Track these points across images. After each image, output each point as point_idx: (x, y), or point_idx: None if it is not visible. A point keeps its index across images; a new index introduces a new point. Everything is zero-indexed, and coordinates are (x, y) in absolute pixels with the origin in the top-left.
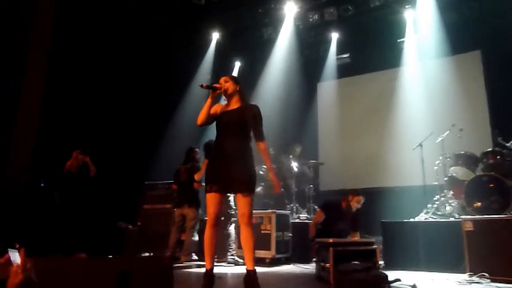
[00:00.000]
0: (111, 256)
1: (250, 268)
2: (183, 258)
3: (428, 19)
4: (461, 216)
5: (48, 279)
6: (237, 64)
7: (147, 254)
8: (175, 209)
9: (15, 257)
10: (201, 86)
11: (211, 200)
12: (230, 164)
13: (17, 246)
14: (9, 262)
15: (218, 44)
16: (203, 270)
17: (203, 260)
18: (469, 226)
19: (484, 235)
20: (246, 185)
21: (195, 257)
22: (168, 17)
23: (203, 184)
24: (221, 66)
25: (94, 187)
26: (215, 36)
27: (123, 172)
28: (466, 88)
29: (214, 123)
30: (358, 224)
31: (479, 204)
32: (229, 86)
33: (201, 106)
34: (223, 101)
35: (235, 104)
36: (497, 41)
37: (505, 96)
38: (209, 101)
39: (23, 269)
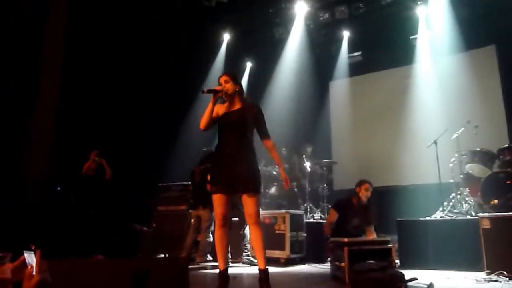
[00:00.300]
0: (126, 258)
1: (262, 267)
2: (198, 259)
3: (440, 15)
4: (478, 214)
5: (64, 281)
6: (249, 65)
7: (162, 255)
8: (190, 211)
9: (31, 258)
10: (203, 91)
11: (217, 201)
12: (234, 165)
13: (33, 247)
14: (24, 264)
15: (229, 45)
16: (217, 270)
17: (217, 261)
18: (486, 224)
19: (501, 233)
20: (251, 185)
21: (210, 258)
22: (179, 19)
23: None
24: (233, 67)
25: (110, 189)
26: (226, 37)
27: (137, 174)
28: (480, 83)
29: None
30: (372, 217)
31: (495, 201)
32: (229, 87)
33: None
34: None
35: (236, 105)
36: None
37: None
38: (210, 105)
39: (38, 270)
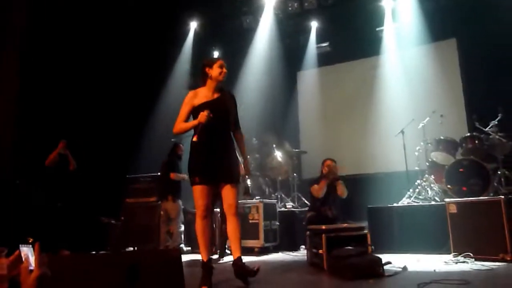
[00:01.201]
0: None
1: (238, 255)
2: None
3: (406, 7)
4: (445, 199)
5: (58, 276)
6: (216, 54)
7: (131, 248)
8: (159, 202)
9: (29, 252)
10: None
11: (198, 192)
12: (216, 155)
13: (30, 240)
14: (19, 259)
15: (197, 33)
16: (192, 258)
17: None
18: (453, 209)
19: (467, 217)
20: (232, 175)
21: (185, 248)
22: (144, 5)
23: (183, 175)
24: (200, 56)
25: (75, 181)
26: (193, 25)
27: (104, 166)
28: (443, 75)
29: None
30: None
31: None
32: (225, 73)
33: (180, 97)
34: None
35: (216, 93)
36: (471, 29)
37: (480, 82)
38: (193, 124)
39: (38, 264)
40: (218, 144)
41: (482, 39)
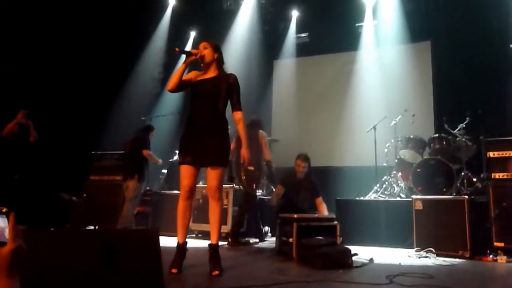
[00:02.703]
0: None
1: (214, 242)
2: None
3: (386, 6)
4: (412, 196)
5: (33, 248)
6: (192, 34)
7: (92, 227)
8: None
9: (1, 222)
10: (175, 50)
11: (184, 172)
12: (204, 135)
13: (4, 210)
14: None
15: (174, 11)
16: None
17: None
18: (418, 206)
19: (431, 214)
20: (217, 156)
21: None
22: None
23: (157, 158)
24: (176, 35)
25: (35, 154)
26: (171, 2)
27: (68, 140)
28: (417, 76)
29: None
30: (317, 188)
31: (421, 188)
32: (207, 53)
33: (153, 75)
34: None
35: (211, 73)
36: (446, 33)
37: (450, 85)
38: (182, 66)
39: (13, 236)
40: (206, 124)
41: (456, 44)
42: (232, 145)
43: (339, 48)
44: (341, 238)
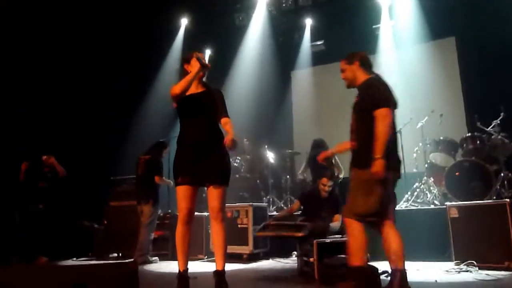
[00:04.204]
0: (75, 259)
1: (220, 268)
2: (137, 260)
3: (403, 5)
4: (446, 203)
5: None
6: (207, 52)
7: (115, 254)
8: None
9: None
10: (207, 65)
11: (182, 193)
12: (201, 153)
13: None
14: None
15: (187, 30)
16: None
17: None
18: (454, 213)
19: (469, 222)
20: (219, 175)
21: (152, 258)
22: (134, 1)
23: (166, 179)
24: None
25: (56, 183)
26: (184, 22)
27: (87, 168)
28: (442, 74)
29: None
30: (338, 204)
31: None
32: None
33: (169, 95)
34: None
35: (199, 87)
36: (471, 28)
37: (480, 81)
38: (194, 73)
39: None
40: (205, 140)
41: (482, 37)
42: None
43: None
44: (368, 255)
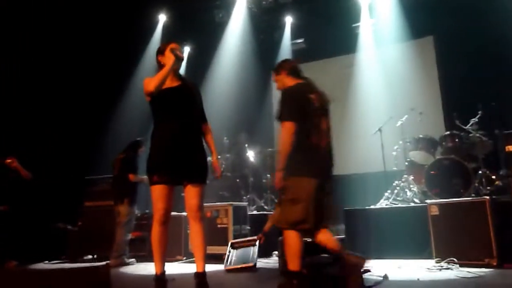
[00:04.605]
0: (47, 262)
1: (200, 270)
2: (112, 262)
3: (383, 3)
4: (426, 201)
5: None
6: (186, 49)
7: (90, 256)
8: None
9: None
10: (181, 57)
11: (158, 193)
12: (180, 150)
13: None
14: None
15: (166, 27)
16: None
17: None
18: (434, 211)
19: (449, 219)
20: (198, 173)
21: (127, 260)
22: None
23: (142, 176)
24: None
25: (25, 183)
26: (162, 18)
27: (61, 167)
28: (422, 73)
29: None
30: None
31: (437, 190)
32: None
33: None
34: None
35: (175, 81)
36: (448, 27)
37: (458, 80)
38: (169, 67)
39: None
40: (183, 136)
41: (459, 37)
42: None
43: (337, 51)
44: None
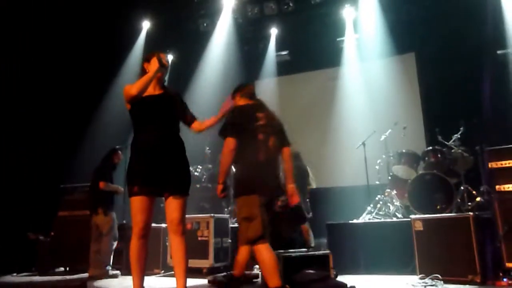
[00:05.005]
0: (15, 275)
1: (183, 282)
2: (91, 272)
3: (367, 19)
4: (410, 216)
5: None
6: (170, 57)
7: (62, 268)
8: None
9: None
10: (166, 64)
11: (138, 205)
12: (161, 160)
13: None
14: None
15: (149, 34)
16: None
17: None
18: (418, 226)
19: (433, 235)
20: (180, 185)
21: (112, 272)
22: (93, 1)
23: (116, 186)
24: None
25: None
26: (146, 25)
27: (34, 175)
28: (403, 88)
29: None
30: (298, 216)
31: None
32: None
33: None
34: None
35: (158, 89)
36: (429, 43)
37: (439, 96)
38: (153, 73)
39: None
40: (162, 147)
41: (440, 53)
42: None
43: (321, 64)
44: (335, 271)
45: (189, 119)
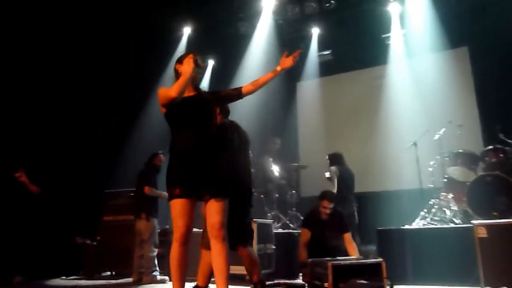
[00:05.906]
0: (64, 278)
1: None
2: (144, 279)
3: (414, 13)
4: (472, 221)
5: None
6: (211, 62)
7: (108, 272)
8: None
9: None
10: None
11: (179, 208)
12: (200, 163)
13: None
14: None
15: (190, 39)
16: None
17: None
18: (482, 233)
19: (499, 242)
20: (221, 187)
21: (160, 277)
22: (134, 9)
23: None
24: None
25: (40, 197)
26: (187, 31)
27: (80, 180)
28: (457, 84)
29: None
30: (343, 222)
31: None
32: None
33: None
34: None
35: (192, 91)
36: (483, 37)
37: (495, 91)
38: (189, 74)
39: None
40: (200, 149)
41: (495, 46)
42: None
43: (366, 62)
44: (388, 282)
45: (234, 91)
